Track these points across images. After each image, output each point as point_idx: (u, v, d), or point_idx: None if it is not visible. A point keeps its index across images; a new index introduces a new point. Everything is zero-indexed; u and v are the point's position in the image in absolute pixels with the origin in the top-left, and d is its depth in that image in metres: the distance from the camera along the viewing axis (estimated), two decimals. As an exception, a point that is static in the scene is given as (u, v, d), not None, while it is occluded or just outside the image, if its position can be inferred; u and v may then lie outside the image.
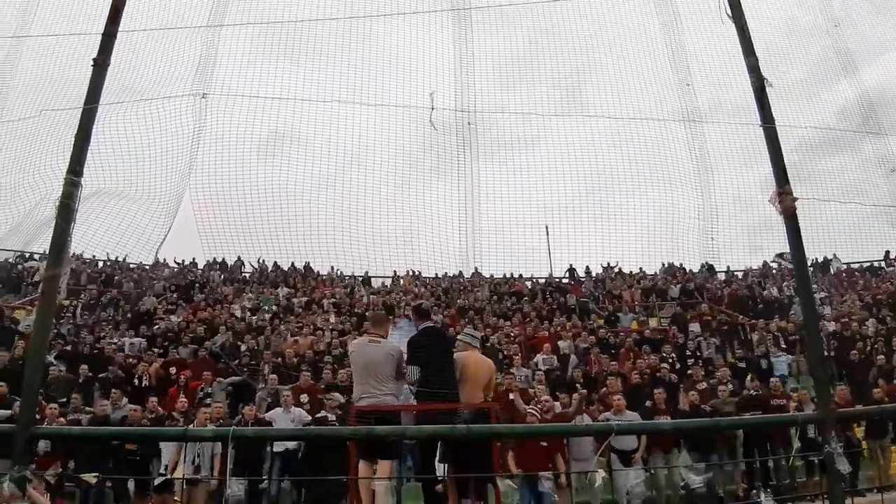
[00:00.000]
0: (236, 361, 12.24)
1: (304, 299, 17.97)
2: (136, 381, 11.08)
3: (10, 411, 8.10)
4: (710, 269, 19.74)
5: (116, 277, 19.48)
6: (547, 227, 14.92)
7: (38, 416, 5.60)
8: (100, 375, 11.52)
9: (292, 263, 20.00)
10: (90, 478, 5.19)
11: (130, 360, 12.01)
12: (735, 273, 21.44)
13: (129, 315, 16.10)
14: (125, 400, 9.83)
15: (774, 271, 20.95)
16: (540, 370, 12.16)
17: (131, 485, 7.49)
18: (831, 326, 14.58)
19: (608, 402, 9.23)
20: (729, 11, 4.58)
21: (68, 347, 12.82)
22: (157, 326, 14.70)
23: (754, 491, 8.33)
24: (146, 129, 6.15)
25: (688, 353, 13.29)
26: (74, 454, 7.91)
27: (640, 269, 20.23)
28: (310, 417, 8.74)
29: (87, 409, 9.81)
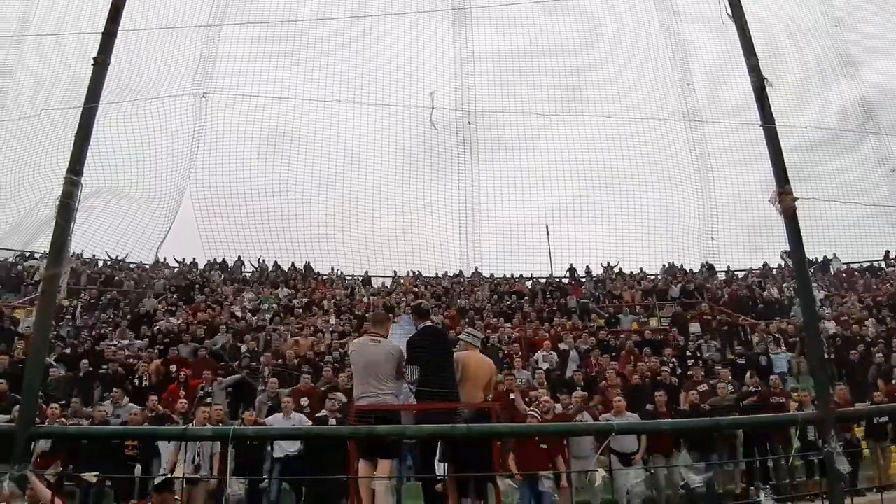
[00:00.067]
0: (237, 363, 12.23)
1: (305, 300, 17.96)
2: (136, 381, 11.07)
3: (9, 416, 8.09)
4: (710, 268, 19.72)
5: (117, 277, 19.47)
6: (547, 227, 14.93)
7: (38, 417, 5.59)
8: (100, 371, 11.51)
9: (292, 263, 20.00)
10: (90, 477, 5.19)
11: (131, 360, 11.99)
12: (735, 273, 21.44)
13: (129, 317, 16.09)
14: (126, 399, 9.83)
15: (775, 271, 20.95)
16: (540, 369, 12.13)
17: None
18: (831, 329, 14.56)
19: (608, 397, 9.21)
20: (729, 11, 4.58)
21: (67, 350, 12.80)
22: (157, 327, 14.69)
23: (753, 490, 8.33)
24: (146, 128, 6.16)
25: (688, 354, 13.26)
26: (74, 455, 7.90)
27: (641, 269, 20.26)
28: (310, 423, 8.71)
29: (87, 410, 9.80)
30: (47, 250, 3.83)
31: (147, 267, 19.03)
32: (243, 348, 13.52)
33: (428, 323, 5.63)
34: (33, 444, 3.87)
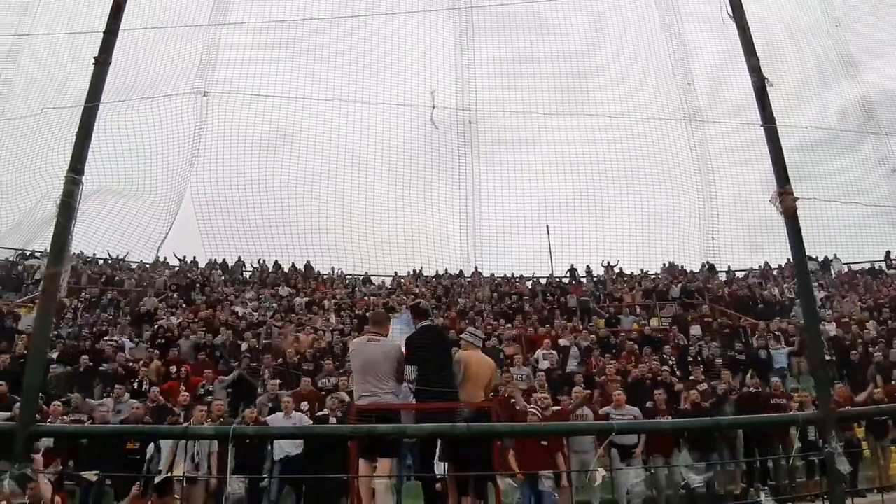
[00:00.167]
0: (237, 363, 12.24)
1: (306, 300, 17.97)
2: (136, 385, 11.05)
3: (9, 413, 8.10)
4: (711, 268, 19.72)
5: (117, 277, 19.49)
6: (548, 227, 14.91)
7: (38, 415, 5.59)
8: (100, 369, 11.52)
9: (293, 263, 20.02)
10: (90, 475, 5.19)
11: (131, 362, 12.00)
12: (735, 273, 21.43)
13: (128, 316, 16.11)
14: (128, 395, 9.84)
15: (776, 271, 20.95)
16: (541, 371, 12.11)
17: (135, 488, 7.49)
18: (832, 330, 14.55)
19: (608, 392, 9.21)
20: (730, 11, 4.57)
21: (67, 347, 12.81)
22: (157, 326, 14.70)
23: (753, 491, 8.33)
24: (147, 127, 6.16)
25: (689, 359, 13.24)
26: (75, 453, 7.91)
27: (642, 269, 20.26)
28: (311, 422, 8.72)
29: (91, 402, 9.80)
30: (48, 249, 3.84)
31: (147, 266, 19.06)
32: (243, 346, 13.54)
33: (427, 322, 5.63)
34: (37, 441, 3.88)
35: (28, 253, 18.24)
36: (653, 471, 8.37)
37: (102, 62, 4.10)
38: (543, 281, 21.17)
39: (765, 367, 12.77)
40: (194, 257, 20.91)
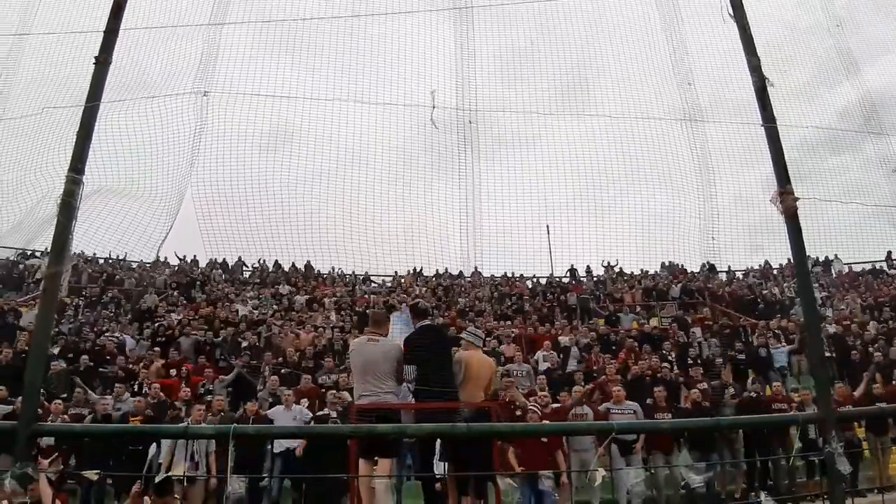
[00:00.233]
0: (237, 359, 12.24)
1: (306, 297, 17.98)
2: (136, 387, 11.04)
3: (10, 406, 8.11)
4: (711, 268, 19.73)
5: (118, 276, 19.51)
6: (548, 226, 14.91)
7: (40, 412, 5.59)
8: (100, 369, 11.52)
9: (293, 263, 20.04)
10: (91, 475, 5.20)
11: (131, 363, 12.01)
12: (735, 273, 21.43)
13: (129, 315, 16.12)
14: (128, 395, 9.85)
15: (776, 271, 20.94)
16: (542, 374, 12.09)
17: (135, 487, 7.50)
18: (832, 330, 14.54)
19: (607, 391, 9.21)
20: (731, 11, 4.56)
21: (68, 345, 12.81)
22: (157, 324, 14.71)
23: (753, 493, 8.33)
24: (148, 126, 6.17)
25: (689, 360, 13.23)
26: (76, 451, 7.92)
27: (642, 269, 20.26)
28: (311, 415, 8.77)
29: (93, 395, 9.82)
30: (49, 248, 3.84)
31: (148, 265, 19.07)
32: (244, 344, 13.54)
33: (427, 322, 5.64)
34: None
35: (29, 252, 18.29)
36: (653, 471, 8.38)
37: (103, 62, 4.09)
38: (543, 281, 21.18)
39: (765, 365, 12.76)
40: (195, 256, 20.96)
